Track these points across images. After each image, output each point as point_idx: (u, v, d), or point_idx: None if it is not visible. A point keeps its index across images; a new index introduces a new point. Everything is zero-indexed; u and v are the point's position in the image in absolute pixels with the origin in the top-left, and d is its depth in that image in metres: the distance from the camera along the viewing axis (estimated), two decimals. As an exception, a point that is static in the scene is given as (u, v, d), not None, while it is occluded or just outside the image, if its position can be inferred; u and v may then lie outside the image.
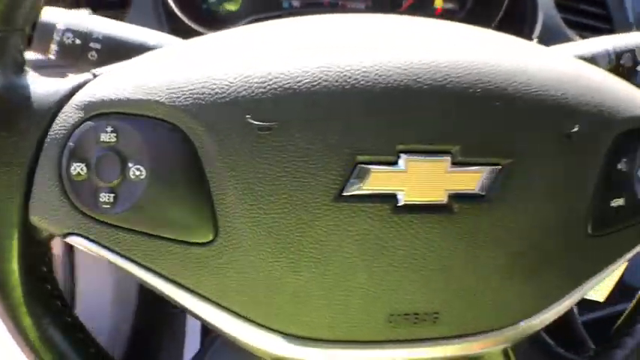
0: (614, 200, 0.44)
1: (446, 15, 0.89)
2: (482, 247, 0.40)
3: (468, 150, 0.39)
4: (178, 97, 0.38)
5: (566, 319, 0.88)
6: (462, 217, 0.39)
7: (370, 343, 0.41)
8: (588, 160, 0.42)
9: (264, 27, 0.44)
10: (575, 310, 0.87)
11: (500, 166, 0.40)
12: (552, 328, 0.91)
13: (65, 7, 0.85)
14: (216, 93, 0.38)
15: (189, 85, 0.38)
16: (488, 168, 0.39)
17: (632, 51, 0.60)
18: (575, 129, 0.41)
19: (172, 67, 0.40)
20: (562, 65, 0.44)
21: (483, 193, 0.40)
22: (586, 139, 0.42)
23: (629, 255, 0.46)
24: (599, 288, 0.64)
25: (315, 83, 0.38)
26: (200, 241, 0.39)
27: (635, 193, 0.45)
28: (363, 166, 0.38)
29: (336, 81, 0.38)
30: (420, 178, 0.38)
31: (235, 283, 0.39)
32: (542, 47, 0.48)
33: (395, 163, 0.38)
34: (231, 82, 0.38)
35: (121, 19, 0.82)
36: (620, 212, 0.44)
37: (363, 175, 0.38)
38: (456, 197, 0.39)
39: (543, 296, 0.43)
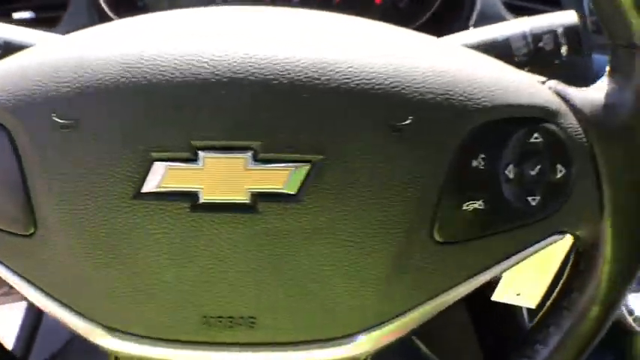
0: (468, 203, 0.38)
1: (386, 4, 0.85)
2: (297, 250, 0.38)
3: (271, 146, 0.37)
4: (2, 97, 0.39)
5: (515, 322, 0.84)
6: (269, 217, 0.37)
7: (187, 344, 0.40)
8: (429, 157, 0.38)
9: (122, 22, 0.44)
10: (526, 314, 0.82)
11: (310, 164, 0.37)
12: (499, 334, 0.87)
13: (13, 9, 0.87)
14: (32, 92, 0.39)
15: (11, 84, 0.39)
16: (296, 165, 0.37)
17: (553, 32, 0.55)
18: (408, 122, 0.37)
19: (7, 68, 0.41)
20: (409, 55, 0.39)
21: (292, 192, 0.37)
22: (426, 132, 0.37)
23: (505, 265, 0.41)
24: (528, 293, 0.59)
25: (114, 80, 0.38)
26: (24, 233, 0.40)
27: (502, 195, 0.39)
28: (159, 163, 0.37)
29: (135, 77, 0.38)
30: (219, 176, 0.37)
31: (58, 275, 0.40)
32: (418, 37, 0.44)
33: (193, 160, 0.37)
34: (44, 82, 0.39)
35: (59, 20, 0.83)
36: (479, 217, 0.39)
37: (159, 173, 0.37)
38: (262, 196, 0.37)
39: (386, 308, 0.39)
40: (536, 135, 0.39)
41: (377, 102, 0.37)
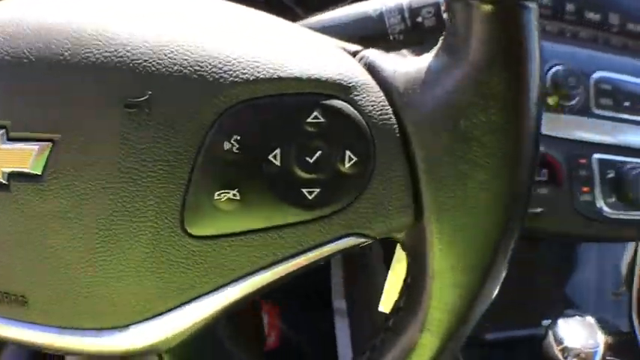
0: (220, 193, 0.34)
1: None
2: (49, 233, 0.36)
3: (21, 124, 0.36)
4: None
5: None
6: (20, 197, 0.37)
7: None
8: (171, 137, 0.34)
9: None
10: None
11: (51, 142, 0.35)
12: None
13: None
14: None
15: None
16: (40, 144, 0.36)
17: (434, 4, 0.48)
18: (145, 97, 0.34)
19: None
20: (167, 26, 0.36)
21: (38, 173, 0.36)
22: (167, 110, 0.34)
23: (284, 268, 0.35)
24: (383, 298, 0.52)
25: None
26: None
27: (262, 185, 0.34)
28: None
29: None
30: None
31: None
32: (236, 15, 0.39)
33: None
34: None
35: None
36: (236, 209, 0.34)
37: None
38: (14, 176, 0.36)
39: (143, 305, 0.36)
40: (315, 114, 0.33)
41: (112, 75, 0.35)
